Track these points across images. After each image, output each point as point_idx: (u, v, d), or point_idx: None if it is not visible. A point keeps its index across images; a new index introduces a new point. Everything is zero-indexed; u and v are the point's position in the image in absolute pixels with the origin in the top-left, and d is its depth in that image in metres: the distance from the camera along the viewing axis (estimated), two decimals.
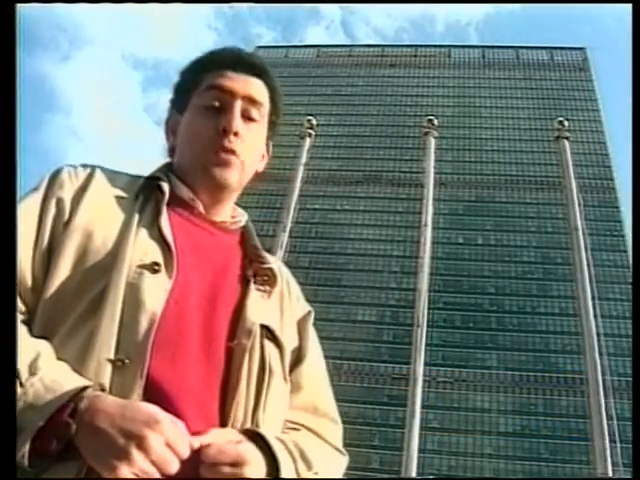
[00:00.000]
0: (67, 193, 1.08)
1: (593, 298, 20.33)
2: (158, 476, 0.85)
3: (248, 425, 1.02)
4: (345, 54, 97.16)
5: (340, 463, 1.19)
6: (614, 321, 56.82)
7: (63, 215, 1.06)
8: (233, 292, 1.12)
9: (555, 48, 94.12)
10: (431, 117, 28.55)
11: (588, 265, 21.02)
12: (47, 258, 1.02)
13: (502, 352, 65.43)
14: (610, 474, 16.96)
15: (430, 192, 25.10)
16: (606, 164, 77.89)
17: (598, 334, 19.67)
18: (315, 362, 1.24)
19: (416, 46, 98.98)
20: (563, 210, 39.70)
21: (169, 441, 0.87)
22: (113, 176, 1.16)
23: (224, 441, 0.95)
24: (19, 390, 0.88)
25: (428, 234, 23.98)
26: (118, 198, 1.11)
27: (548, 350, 64.78)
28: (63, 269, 1.01)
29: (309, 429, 1.16)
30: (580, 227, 21.77)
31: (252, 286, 1.14)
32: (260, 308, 1.12)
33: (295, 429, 1.14)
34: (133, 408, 0.88)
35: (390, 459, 55.97)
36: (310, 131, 26.60)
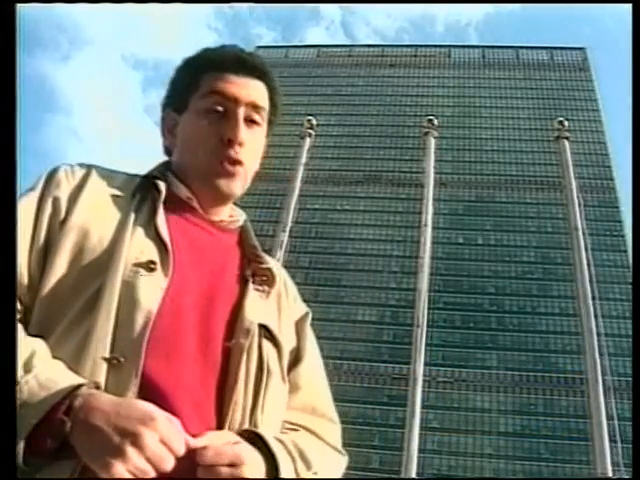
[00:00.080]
0: (63, 192, 1.08)
1: (593, 298, 20.31)
2: (154, 473, 0.85)
3: (246, 425, 1.02)
4: (345, 54, 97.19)
5: (340, 463, 1.19)
6: (614, 321, 56.82)
7: (59, 214, 1.05)
8: (231, 291, 1.12)
9: (555, 48, 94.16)
10: (431, 117, 28.50)
11: (588, 265, 21.00)
12: (43, 257, 1.02)
13: (502, 352, 65.46)
14: (610, 474, 16.94)
15: (430, 192, 25.08)
16: (606, 164, 77.92)
17: (598, 334, 19.64)
18: (313, 363, 1.23)
19: (416, 46, 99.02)
20: (563, 210, 39.68)
21: (164, 438, 0.86)
22: (110, 175, 1.15)
23: (221, 443, 0.94)
24: None
25: (428, 234, 23.96)
26: (115, 197, 1.11)
27: (548, 350, 64.80)
28: (59, 268, 1.01)
29: (308, 429, 1.15)
30: (580, 227, 21.74)
31: (250, 286, 1.13)
32: (258, 308, 1.11)
33: (294, 429, 1.14)
34: (128, 406, 0.88)
35: (390, 459, 55.97)
36: (310, 131, 26.55)
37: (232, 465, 0.93)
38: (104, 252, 1.02)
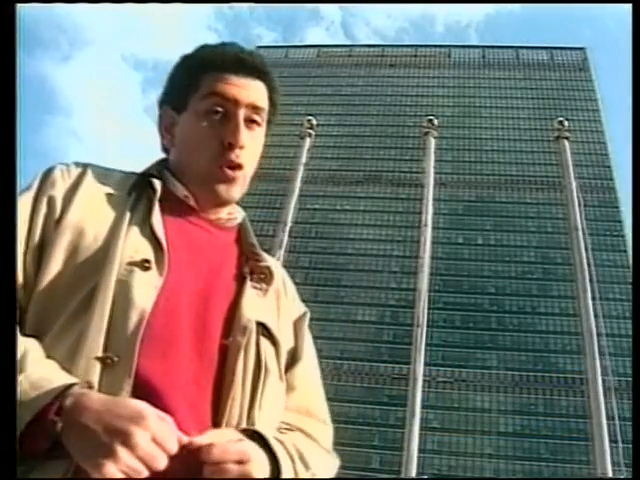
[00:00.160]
0: (59, 191, 1.07)
1: (593, 298, 20.31)
2: (146, 472, 0.84)
3: (244, 424, 1.01)
4: (345, 54, 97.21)
5: (333, 465, 1.18)
6: (614, 321, 56.79)
7: (54, 213, 1.05)
8: (228, 289, 1.11)
9: (555, 48, 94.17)
10: (431, 117, 28.51)
11: (588, 265, 20.99)
12: (38, 256, 1.02)
13: (502, 352, 65.47)
14: (610, 474, 16.95)
15: (430, 192, 25.08)
16: (606, 164, 77.93)
17: (598, 334, 19.63)
18: (309, 364, 1.22)
19: (416, 46, 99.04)
20: (563, 210, 39.67)
21: (156, 437, 0.85)
22: (106, 173, 1.15)
23: (224, 441, 0.94)
24: None
25: (428, 234, 23.97)
26: (110, 195, 1.10)
27: (548, 350, 64.80)
28: (54, 267, 1.00)
29: (302, 431, 1.14)
30: (580, 227, 21.74)
31: (248, 283, 1.13)
32: (256, 305, 1.10)
33: (289, 430, 1.13)
34: (119, 405, 0.87)
35: (390, 459, 55.98)
36: (310, 131, 26.55)
37: (239, 462, 0.92)
38: (99, 251, 1.02)
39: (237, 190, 1.16)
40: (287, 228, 22.67)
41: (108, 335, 0.95)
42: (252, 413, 1.03)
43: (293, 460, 1.03)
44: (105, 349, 0.94)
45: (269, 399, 1.06)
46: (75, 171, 1.12)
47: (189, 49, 1.22)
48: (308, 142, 26.31)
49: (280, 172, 66.03)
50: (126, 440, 0.83)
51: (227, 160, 1.13)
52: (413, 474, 18.50)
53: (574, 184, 22.96)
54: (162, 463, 0.86)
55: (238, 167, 1.14)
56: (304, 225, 67.91)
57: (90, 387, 0.91)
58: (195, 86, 1.16)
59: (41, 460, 0.86)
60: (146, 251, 1.04)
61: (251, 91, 1.16)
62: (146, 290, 0.99)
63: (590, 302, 20.01)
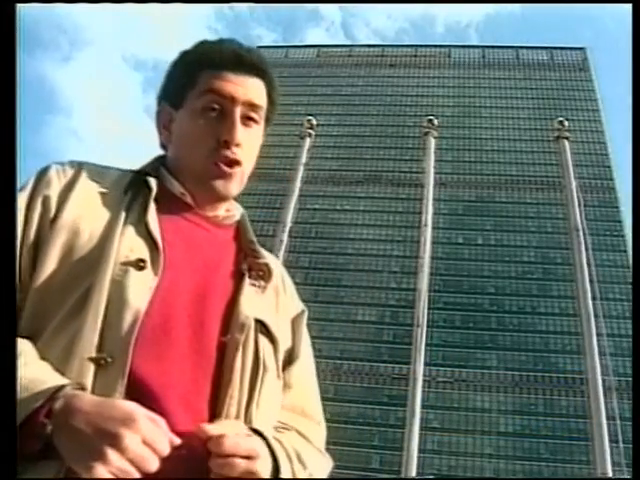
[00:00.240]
0: (54, 191, 1.06)
1: (593, 298, 20.30)
2: (137, 475, 0.84)
3: (241, 421, 1.01)
4: (345, 54, 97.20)
5: (327, 466, 1.18)
6: (614, 321, 56.77)
7: (49, 213, 1.04)
8: (226, 287, 1.10)
9: (555, 48, 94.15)
10: (431, 117, 28.53)
11: (588, 265, 20.99)
12: (33, 257, 1.01)
13: (502, 352, 65.46)
14: (610, 474, 16.94)
15: (430, 192, 25.09)
16: (606, 164, 77.92)
17: (598, 334, 19.63)
18: (306, 363, 1.22)
19: (416, 46, 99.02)
20: (563, 210, 39.68)
21: (146, 439, 0.84)
22: (102, 172, 1.14)
23: (234, 433, 0.94)
24: None
25: (428, 234, 23.97)
26: (106, 194, 1.09)
27: (548, 350, 64.80)
28: (49, 267, 1.00)
29: (297, 431, 1.14)
30: (580, 227, 21.74)
31: (246, 281, 1.12)
32: (254, 303, 1.10)
33: (285, 429, 1.13)
34: (110, 406, 0.86)
35: (390, 459, 55.98)
36: (310, 131, 26.56)
37: (247, 458, 0.92)
38: (94, 251, 1.01)
39: (234, 186, 1.15)
40: (287, 228, 22.67)
41: (102, 336, 0.94)
42: (250, 411, 1.02)
43: (291, 460, 1.03)
44: (99, 350, 0.94)
45: (267, 397, 1.06)
46: (70, 170, 1.11)
47: None
48: (308, 142, 26.32)
49: (280, 172, 66.02)
50: (116, 442, 0.82)
51: (223, 157, 1.12)
52: (413, 474, 18.50)
53: (574, 184, 22.96)
54: (154, 465, 0.85)
55: (235, 163, 1.13)
56: (304, 225, 67.91)
57: (82, 388, 0.90)
58: (192, 83, 1.15)
59: (33, 461, 0.86)
60: (141, 250, 1.03)
61: (248, 89, 1.15)
62: (141, 290, 0.98)
63: (590, 302, 20.00)
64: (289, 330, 1.19)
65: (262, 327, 1.08)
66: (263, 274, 1.15)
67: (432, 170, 26.13)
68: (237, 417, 1.01)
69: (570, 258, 30.23)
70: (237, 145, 1.13)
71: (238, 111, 1.13)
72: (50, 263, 1.00)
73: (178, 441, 0.90)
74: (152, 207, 1.08)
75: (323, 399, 1.26)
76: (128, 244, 1.02)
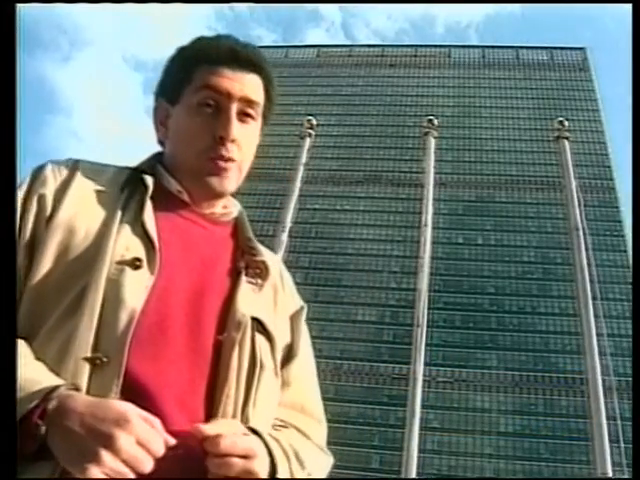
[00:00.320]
0: (49, 189, 1.05)
1: (593, 298, 20.28)
2: (132, 475, 0.83)
3: (238, 420, 1.00)
4: (345, 54, 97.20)
5: (327, 464, 1.18)
6: (614, 321, 56.76)
7: (45, 211, 1.03)
8: (223, 285, 1.09)
9: (555, 48, 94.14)
10: (431, 117, 28.51)
11: (588, 265, 20.96)
12: (29, 256, 1.00)
13: (502, 352, 65.46)
14: (610, 474, 16.92)
15: (430, 192, 25.08)
16: (606, 164, 77.93)
17: (598, 334, 19.61)
18: (305, 360, 1.21)
19: (416, 46, 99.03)
20: (563, 210, 39.69)
21: (140, 440, 0.84)
22: (98, 169, 1.13)
23: (231, 432, 0.93)
24: None
25: (428, 234, 23.96)
26: (102, 192, 1.08)
27: (548, 350, 64.80)
28: (45, 266, 0.99)
29: (296, 428, 1.13)
30: (580, 227, 21.73)
31: (243, 278, 1.11)
32: (251, 301, 1.09)
33: (284, 427, 1.12)
34: (104, 407, 0.86)
35: (390, 459, 55.98)
36: (310, 131, 26.53)
37: (245, 457, 0.92)
38: (90, 250, 1.00)
39: (230, 183, 1.14)
40: (287, 228, 22.66)
41: (98, 335, 0.94)
42: (246, 410, 1.01)
43: (289, 459, 1.02)
44: (94, 349, 0.93)
45: (264, 396, 1.05)
46: (66, 168, 1.10)
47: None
48: (308, 142, 26.30)
49: (280, 172, 66.06)
50: (109, 443, 0.82)
51: (217, 153, 1.11)
52: (413, 474, 18.49)
53: (574, 184, 22.94)
54: (148, 466, 0.85)
55: (230, 160, 1.12)
56: (304, 225, 67.91)
57: (77, 389, 0.89)
58: (189, 79, 1.14)
59: (28, 462, 0.85)
60: (137, 249, 1.02)
61: (245, 84, 1.14)
62: (137, 289, 0.98)
63: (590, 302, 19.98)
64: (288, 327, 1.18)
65: (259, 325, 1.07)
66: (260, 272, 1.14)
67: (432, 170, 26.12)
68: (234, 416, 1.00)
69: (570, 258, 30.23)
70: (233, 141, 1.12)
71: (234, 107, 1.12)
72: (46, 262, 0.99)
73: (173, 441, 0.89)
74: (148, 205, 1.07)
75: (323, 399, 1.25)
76: (124, 243, 1.02)
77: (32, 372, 0.89)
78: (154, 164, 1.17)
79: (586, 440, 47.27)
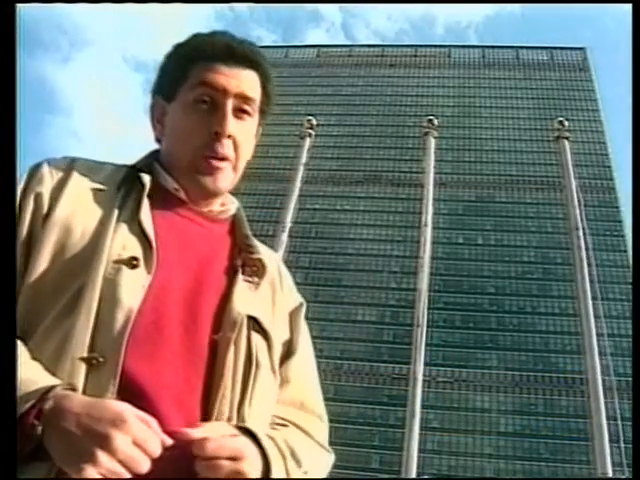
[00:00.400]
0: (46, 187, 1.05)
1: (593, 298, 20.28)
2: (128, 475, 0.83)
3: (234, 420, 0.99)
4: (345, 54, 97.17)
5: (327, 461, 1.16)
6: (614, 321, 56.72)
7: (41, 210, 1.02)
8: (219, 283, 1.08)
9: (555, 48, 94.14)
10: (431, 117, 28.54)
11: (588, 265, 20.98)
12: (26, 255, 1.00)
13: (502, 352, 65.45)
14: (610, 474, 16.94)
15: (430, 192, 25.10)
16: (606, 164, 77.92)
17: (598, 334, 19.62)
18: (305, 357, 1.20)
19: (416, 46, 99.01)
20: (563, 210, 39.70)
21: (137, 440, 0.84)
22: (95, 167, 1.12)
23: (219, 435, 0.92)
24: None
25: (428, 234, 23.97)
26: (99, 190, 1.07)
27: (548, 350, 64.79)
28: (41, 265, 0.98)
29: (296, 425, 1.12)
30: (580, 227, 21.74)
31: (240, 277, 1.10)
32: (247, 299, 1.08)
33: (283, 425, 1.11)
34: (100, 407, 0.85)
35: (390, 459, 55.97)
36: (310, 131, 26.55)
37: (232, 459, 0.91)
38: (86, 249, 1.00)
39: (224, 181, 1.13)
40: (287, 228, 22.67)
41: (94, 335, 0.93)
42: (242, 409, 1.01)
43: (284, 457, 1.01)
44: (91, 349, 0.92)
45: (260, 394, 1.04)
46: (63, 166, 1.09)
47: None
48: (308, 142, 26.32)
49: (280, 172, 66.08)
50: (106, 444, 0.82)
51: (213, 150, 1.10)
52: (413, 474, 18.51)
53: (574, 184, 22.96)
54: (145, 466, 0.84)
55: (224, 157, 1.11)
56: (304, 225, 67.89)
57: (73, 389, 0.89)
58: (185, 75, 1.13)
59: (24, 462, 0.85)
60: (134, 248, 1.01)
61: (241, 81, 1.13)
62: (134, 289, 0.97)
63: (590, 302, 19.99)
64: (286, 325, 1.17)
65: (255, 324, 1.06)
66: (257, 270, 1.13)
67: (432, 170, 26.14)
68: (229, 415, 0.99)
69: (570, 258, 30.25)
70: (229, 137, 1.11)
71: (230, 103, 1.11)
72: (42, 261, 0.98)
73: (170, 441, 0.89)
74: (145, 204, 1.07)
75: (323, 399, 1.24)
76: (121, 242, 1.01)
77: (28, 372, 0.89)
78: (151, 162, 1.16)
79: (586, 440, 47.27)
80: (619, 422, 18.25)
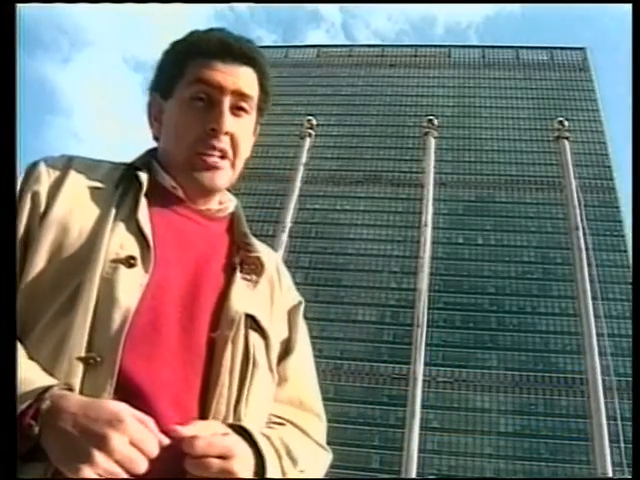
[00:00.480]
0: (43, 186, 1.04)
1: (593, 298, 20.27)
2: (125, 476, 0.83)
3: (230, 419, 0.99)
4: (345, 54, 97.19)
5: (325, 460, 1.16)
6: (614, 321, 56.74)
7: (39, 209, 1.02)
8: (217, 282, 1.07)
9: (555, 48, 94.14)
10: (431, 117, 28.50)
11: (588, 265, 20.96)
12: (23, 254, 0.99)
13: (502, 352, 65.45)
14: (610, 474, 16.92)
15: (430, 192, 25.07)
16: (606, 164, 77.94)
17: (598, 334, 19.61)
18: (303, 355, 1.19)
19: (416, 46, 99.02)
20: (563, 210, 39.70)
21: (134, 440, 0.84)
22: (93, 166, 1.12)
23: (209, 433, 0.92)
24: None
25: (428, 234, 23.95)
26: (96, 189, 1.07)
27: (548, 350, 64.79)
28: (38, 265, 0.98)
29: (294, 424, 1.12)
30: (580, 227, 21.72)
31: (238, 275, 1.09)
32: (245, 297, 1.07)
33: (280, 423, 1.10)
34: (97, 407, 0.85)
35: (390, 459, 55.98)
36: (310, 131, 26.52)
37: (222, 457, 0.90)
38: (84, 248, 0.99)
39: (221, 178, 1.12)
40: (287, 228, 22.65)
41: (91, 335, 0.93)
42: (239, 408, 1.00)
43: (280, 456, 1.00)
44: (88, 349, 0.92)
45: (257, 393, 1.03)
46: (60, 165, 1.08)
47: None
48: (308, 142, 26.29)
49: (280, 172, 66.09)
50: (103, 444, 0.81)
51: (209, 146, 1.09)
52: (413, 474, 18.48)
53: (574, 184, 22.93)
54: (142, 466, 0.84)
55: (221, 154, 1.11)
56: (304, 225, 67.90)
57: (70, 389, 0.88)
58: (181, 73, 1.13)
59: (21, 462, 0.84)
60: (132, 247, 1.01)
61: (238, 78, 1.12)
62: (131, 288, 0.97)
63: (590, 302, 19.98)
64: (285, 323, 1.17)
65: (253, 322, 1.06)
66: (255, 268, 1.12)
67: (432, 170, 26.12)
68: (226, 414, 0.99)
69: (570, 258, 30.24)
70: (225, 134, 1.10)
71: (227, 100, 1.11)
72: (39, 260, 0.98)
73: (167, 441, 0.88)
74: (143, 202, 1.06)
75: (323, 399, 1.23)
76: (118, 241, 1.00)
77: (25, 372, 0.88)
78: (149, 160, 1.15)
79: (586, 440, 47.25)
80: (619, 422, 18.23)
